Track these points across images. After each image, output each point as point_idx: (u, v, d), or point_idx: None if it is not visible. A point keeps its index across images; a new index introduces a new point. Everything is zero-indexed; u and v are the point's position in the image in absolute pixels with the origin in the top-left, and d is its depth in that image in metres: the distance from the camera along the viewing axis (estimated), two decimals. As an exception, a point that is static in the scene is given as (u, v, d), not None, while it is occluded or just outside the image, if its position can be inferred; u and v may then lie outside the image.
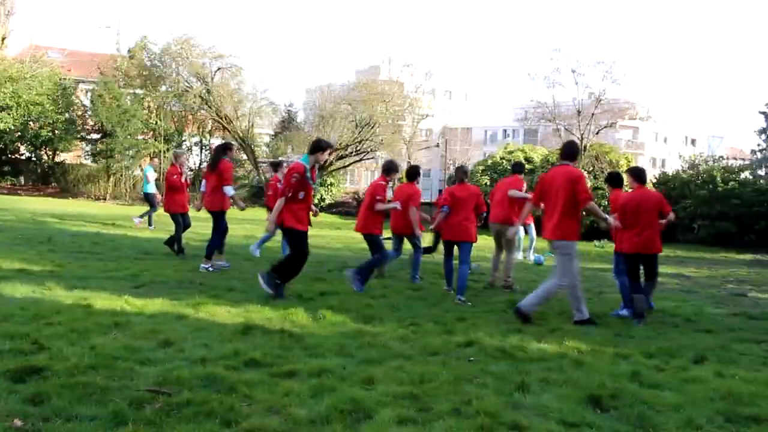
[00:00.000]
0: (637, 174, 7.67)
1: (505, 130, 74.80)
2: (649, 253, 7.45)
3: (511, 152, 27.10)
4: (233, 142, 11.95)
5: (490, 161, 27.56)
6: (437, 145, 55.98)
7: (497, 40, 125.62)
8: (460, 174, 8.88)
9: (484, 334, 6.13)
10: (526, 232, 13.69)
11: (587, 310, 7.05)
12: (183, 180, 11.57)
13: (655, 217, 7.40)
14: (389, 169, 9.21)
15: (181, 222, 11.19)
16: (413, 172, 9.76)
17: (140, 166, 31.40)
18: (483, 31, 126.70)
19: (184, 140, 34.96)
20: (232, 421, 3.62)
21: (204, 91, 30.71)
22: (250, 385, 4.21)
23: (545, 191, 7.18)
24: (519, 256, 13.88)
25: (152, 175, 16.81)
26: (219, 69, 31.72)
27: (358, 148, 33.78)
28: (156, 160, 21.40)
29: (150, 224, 16.29)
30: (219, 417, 3.66)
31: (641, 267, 7.56)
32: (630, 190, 7.79)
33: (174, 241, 11.17)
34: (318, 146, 7.65)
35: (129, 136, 30.07)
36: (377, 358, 5.09)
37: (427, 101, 45.25)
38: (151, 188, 16.50)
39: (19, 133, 30.09)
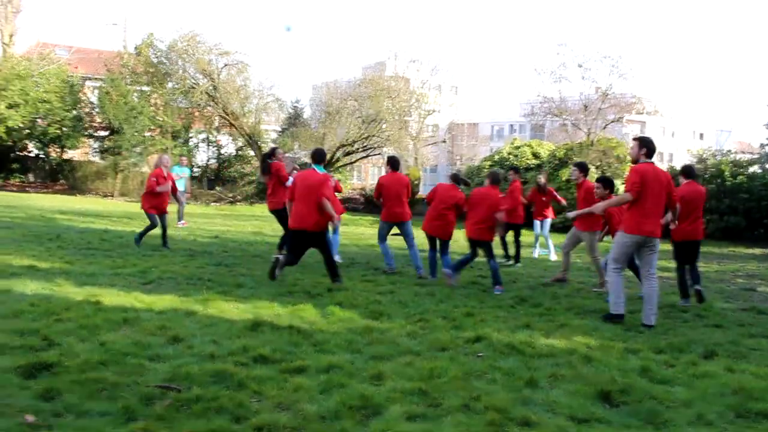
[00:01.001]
0: (689, 171, 8.72)
1: (512, 126, 74.59)
2: (698, 239, 8.41)
3: (517, 147, 26.99)
4: (276, 146, 12.30)
5: (497, 156, 27.45)
6: (444, 141, 55.90)
7: (503, 34, 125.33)
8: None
9: (493, 330, 6.13)
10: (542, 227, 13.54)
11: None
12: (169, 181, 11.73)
13: (702, 209, 8.44)
14: (497, 179, 9.35)
15: (158, 222, 11.47)
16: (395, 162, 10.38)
17: (147, 162, 31.50)
18: (489, 25, 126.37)
19: (191, 137, 35.04)
20: (241, 417, 3.64)
21: (210, 87, 30.67)
22: (260, 381, 4.23)
23: (647, 187, 6.85)
24: (535, 254, 13.85)
25: (182, 173, 17.86)
26: (225, 65, 31.67)
27: (365, 144, 33.72)
28: (185, 158, 21.40)
29: (180, 219, 16.53)
30: (229, 413, 3.68)
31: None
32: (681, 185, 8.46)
33: (165, 241, 11.46)
34: (324, 156, 8.88)
35: (136, 133, 30.13)
36: (386, 354, 5.10)
37: (434, 97, 45.04)
38: (180, 186, 16.91)
39: (28, 131, 30.19)
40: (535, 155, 26.06)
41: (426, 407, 3.97)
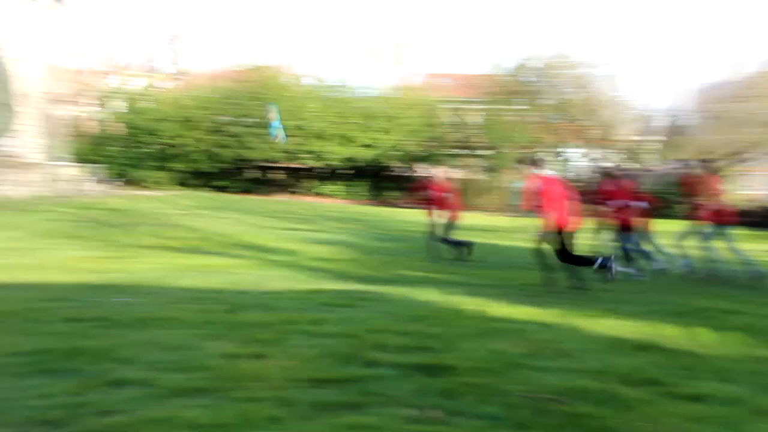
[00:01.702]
0: None
1: None
2: None
3: None
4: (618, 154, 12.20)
5: None
6: None
7: None
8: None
9: None
10: None
11: None
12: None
13: None
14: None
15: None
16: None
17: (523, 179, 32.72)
18: None
19: (565, 151, 35.32)
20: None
21: (582, 101, 30.62)
22: (649, 405, 4.01)
23: None
24: None
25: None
26: (596, 78, 31.33)
27: (759, 150, 30.16)
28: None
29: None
30: (619, 434, 3.56)
31: None
32: None
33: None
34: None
35: (514, 151, 31.50)
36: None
37: None
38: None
39: (421, 154, 33.86)
40: None
41: None
